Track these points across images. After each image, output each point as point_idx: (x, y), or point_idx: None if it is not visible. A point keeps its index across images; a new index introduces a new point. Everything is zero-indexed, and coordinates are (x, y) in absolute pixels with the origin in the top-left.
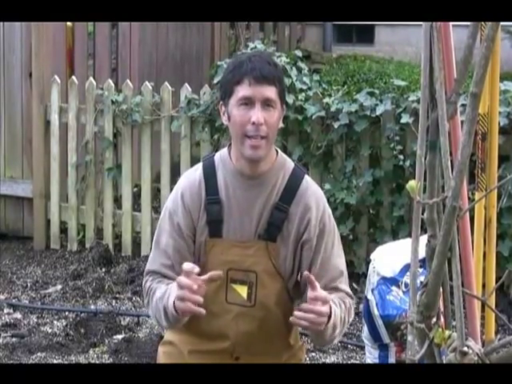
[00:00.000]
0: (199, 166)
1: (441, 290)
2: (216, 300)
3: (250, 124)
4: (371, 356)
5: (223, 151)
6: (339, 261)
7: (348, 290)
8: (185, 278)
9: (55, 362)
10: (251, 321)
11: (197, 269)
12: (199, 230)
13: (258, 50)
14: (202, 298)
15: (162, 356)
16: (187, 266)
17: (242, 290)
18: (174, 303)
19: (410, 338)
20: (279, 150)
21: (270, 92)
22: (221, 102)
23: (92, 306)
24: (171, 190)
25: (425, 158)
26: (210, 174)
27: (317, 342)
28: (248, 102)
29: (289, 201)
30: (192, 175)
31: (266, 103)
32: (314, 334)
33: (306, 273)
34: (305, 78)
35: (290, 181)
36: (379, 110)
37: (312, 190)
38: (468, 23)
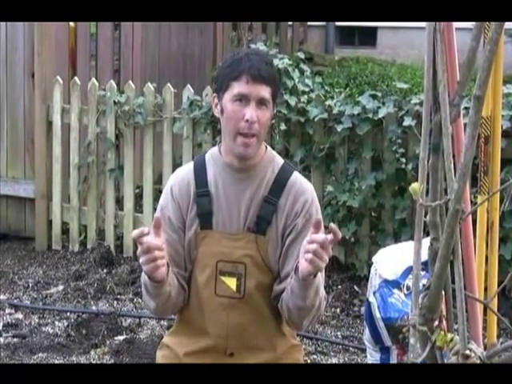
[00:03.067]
0: (190, 163)
1: (443, 292)
2: (206, 293)
3: (244, 121)
4: (372, 359)
5: (214, 148)
6: None
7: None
8: (139, 246)
9: (56, 362)
10: (241, 313)
11: (146, 230)
12: (189, 222)
13: (254, 49)
14: (160, 251)
15: (161, 360)
16: (134, 233)
17: (231, 282)
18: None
19: (412, 340)
20: (268, 146)
21: (265, 92)
22: (214, 95)
23: (93, 307)
24: None
25: (427, 161)
26: (199, 169)
27: (294, 313)
28: (243, 99)
29: (278, 194)
30: (182, 171)
31: (261, 102)
32: (297, 296)
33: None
34: (307, 80)
35: (279, 175)
36: (381, 113)
37: (301, 183)
38: (471, 26)
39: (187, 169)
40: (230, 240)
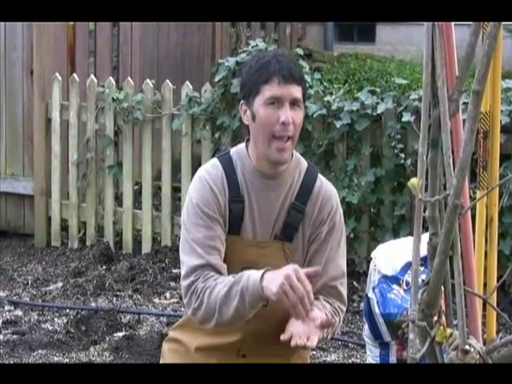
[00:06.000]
0: (216, 162)
1: (442, 288)
2: None
3: (279, 124)
4: (372, 354)
5: (240, 148)
6: (342, 262)
7: (345, 294)
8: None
9: (56, 359)
10: (261, 320)
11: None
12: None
13: (278, 50)
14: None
15: (167, 353)
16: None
17: None
18: (261, 280)
19: (411, 336)
20: (293, 149)
21: (297, 92)
22: (242, 101)
23: (93, 304)
24: (172, 187)
25: (426, 156)
26: (229, 171)
27: None
28: (276, 102)
29: (304, 200)
30: (213, 170)
31: (294, 103)
32: None
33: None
34: (306, 77)
35: (305, 180)
36: (380, 109)
37: (326, 188)
38: (470, 21)
39: (217, 168)
40: (257, 248)
